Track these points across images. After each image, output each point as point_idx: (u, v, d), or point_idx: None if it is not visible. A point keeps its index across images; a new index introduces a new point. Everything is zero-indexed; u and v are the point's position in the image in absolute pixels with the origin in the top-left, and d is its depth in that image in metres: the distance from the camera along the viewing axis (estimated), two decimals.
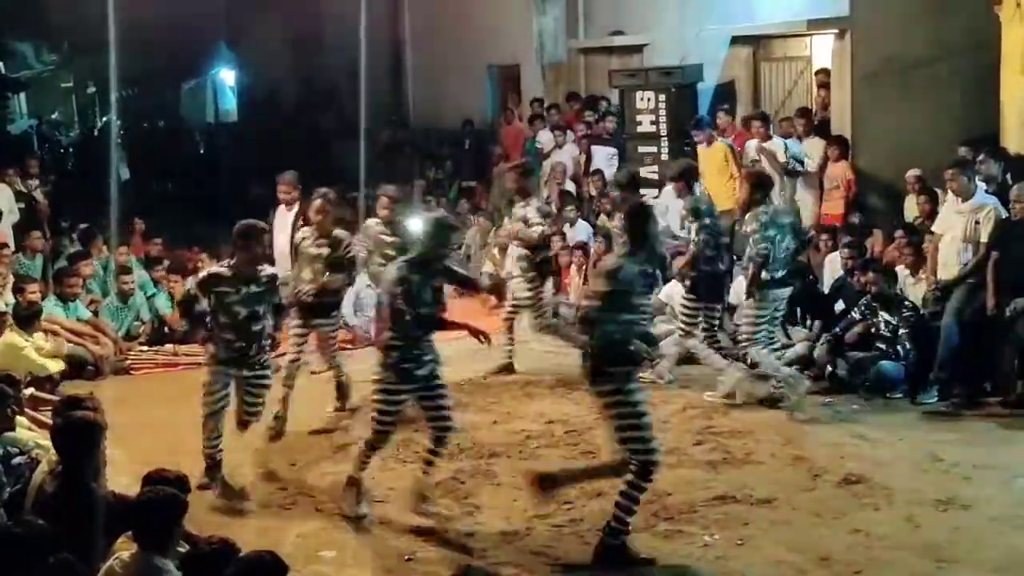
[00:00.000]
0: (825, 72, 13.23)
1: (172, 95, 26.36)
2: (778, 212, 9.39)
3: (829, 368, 9.64)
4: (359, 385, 10.11)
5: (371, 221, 10.44)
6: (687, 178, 9.78)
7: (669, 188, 12.22)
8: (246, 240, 7.58)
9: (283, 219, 10.73)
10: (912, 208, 11.03)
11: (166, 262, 12.91)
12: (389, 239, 10.08)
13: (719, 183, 11.90)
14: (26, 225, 13.01)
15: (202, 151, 24.09)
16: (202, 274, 8.02)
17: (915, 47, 11.88)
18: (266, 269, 7.77)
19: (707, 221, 9.46)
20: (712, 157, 12.33)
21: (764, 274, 8.98)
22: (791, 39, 14.40)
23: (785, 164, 12.17)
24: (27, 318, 10.26)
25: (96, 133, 25.22)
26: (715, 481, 7.59)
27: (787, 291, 9.22)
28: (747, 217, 9.20)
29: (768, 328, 9.20)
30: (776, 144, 12.30)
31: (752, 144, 12.51)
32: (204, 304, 7.59)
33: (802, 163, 12.18)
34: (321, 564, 6.64)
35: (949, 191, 9.58)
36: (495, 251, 13.59)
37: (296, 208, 10.69)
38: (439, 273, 7.21)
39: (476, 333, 7.22)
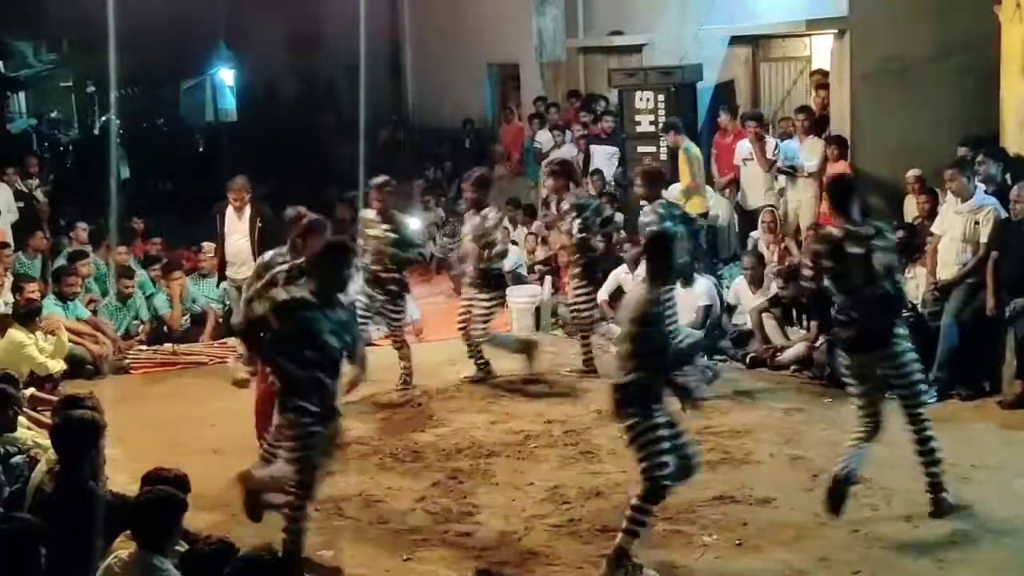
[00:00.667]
0: (821, 73, 13.22)
1: (171, 94, 26.38)
2: (671, 205, 10.00)
3: (828, 368, 9.63)
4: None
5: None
6: (567, 175, 10.31)
7: (675, 187, 12.30)
8: (336, 260, 6.50)
9: (233, 222, 10.78)
10: (912, 208, 11.02)
11: (164, 260, 12.90)
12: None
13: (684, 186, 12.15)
14: (25, 224, 13.01)
15: (201, 150, 24.11)
16: (281, 298, 6.47)
17: (915, 47, 11.86)
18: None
19: (587, 215, 10.00)
20: (680, 161, 12.41)
21: None
22: (790, 39, 14.39)
23: (772, 161, 12.19)
24: (28, 316, 10.28)
25: (96, 132, 25.24)
26: (714, 481, 7.58)
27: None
28: (645, 210, 9.73)
29: None
30: (769, 145, 12.34)
31: (744, 144, 12.52)
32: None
33: (795, 167, 12.16)
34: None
35: (948, 191, 9.58)
36: None
37: (248, 211, 10.70)
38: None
39: None
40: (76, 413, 5.92)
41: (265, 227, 10.54)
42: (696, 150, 12.39)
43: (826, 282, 6.92)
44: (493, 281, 10.00)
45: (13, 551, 4.60)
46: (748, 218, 12.89)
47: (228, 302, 11.52)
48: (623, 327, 6.31)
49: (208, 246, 12.33)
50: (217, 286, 11.88)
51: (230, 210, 10.84)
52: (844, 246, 6.74)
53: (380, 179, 10.06)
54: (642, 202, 10.08)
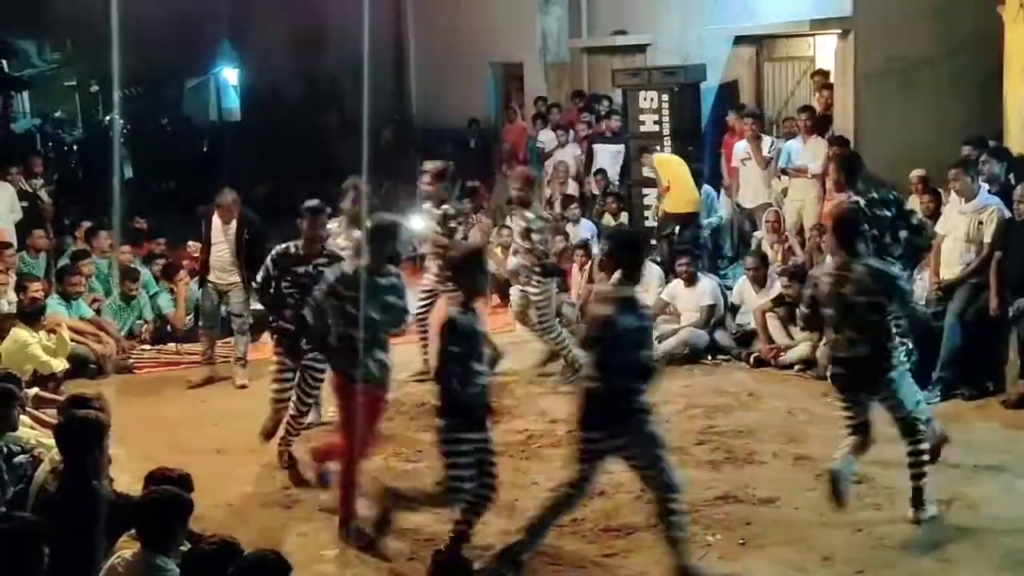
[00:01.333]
0: (822, 73, 13.23)
1: (175, 94, 26.38)
2: None
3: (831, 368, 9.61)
4: None
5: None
6: (441, 179, 10.47)
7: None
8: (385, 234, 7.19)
9: (219, 231, 10.46)
10: (916, 208, 11.00)
11: (167, 259, 12.89)
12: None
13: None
14: (29, 224, 13.00)
15: (205, 150, 24.11)
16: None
17: (918, 47, 11.87)
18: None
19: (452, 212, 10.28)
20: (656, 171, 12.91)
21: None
22: (794, 39, 14.40)
23: (769, 158, 12.21)
24: (32, 316, 10.27)
25: (99, 132, 25.24)
26: (717, 481, 7.59)
27: None
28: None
29: None
30: (766, 144, 12.36)
31: (741, 144, 12.52)
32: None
33: (796, 168, 12.17)
34: (323, 563, 6.65)
35: (952, 191, 9.57)
36: (498, 250, 13.59)
37: (235, 222, 10.43)
38: None
39: None
40: (80, 412, 5.93)
41: (252, 237, 10.40)
42: (664, 156, 12.70)
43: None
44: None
45: (16, 551, 4.60)
46: (747, 217, 12.94)
47: (206, 303, 10.82)
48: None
49: (194, 245, 12.04)
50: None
51: (216, 217, 10.52)
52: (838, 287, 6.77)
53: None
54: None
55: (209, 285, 10.63)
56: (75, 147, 23.68)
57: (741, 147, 12.53)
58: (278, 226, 10.51)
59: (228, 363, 10.71)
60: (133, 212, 14.51)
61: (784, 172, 12.27)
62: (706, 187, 12.78)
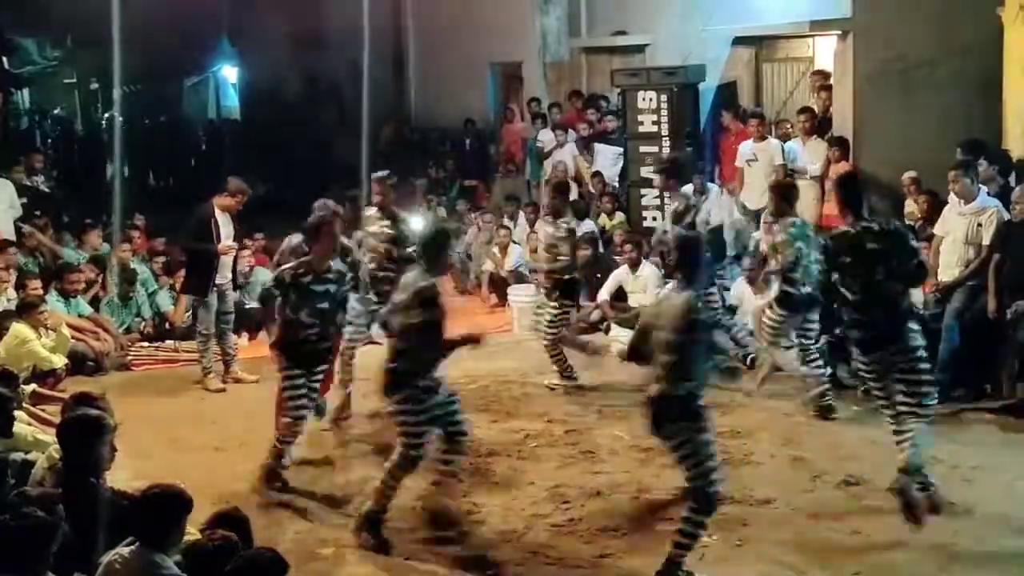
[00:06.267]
0: (823, 74, 13.24)
1: (174, 91, 26.38)
2: (807, 224, 9.36)
3: (830, 369, 9.62)
4: None
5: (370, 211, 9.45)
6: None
7: (685, 189, 12.29)
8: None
9: (224, 228, 10.16)
10: (913, 209, 11.03)
11: (167, 256, 12.88)
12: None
13: None
14: (29, 220, 12.97)
15: (204, 147, 24.11)
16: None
17: (918, 48, 11.87)
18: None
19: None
20: None
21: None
22: (793, 40, 14.41)
23: (783, 166, 12.21)
24: (25, 309, 10.24)
25: (99, 129, 25.24)
26: None
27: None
28: (776, 227, 9.06)
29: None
30: (772, 145, 12.34)
31: (747, 145, 12.52)
32: None
33: (796, 170, 12.19)
34: (320, 562, 6.65)
35: (952, 192, 9.58)
36: (496, 250, 13.61)
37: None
38: None
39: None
40: (80, 411, 5.95)
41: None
42: None
43: (838, 281, 7.03)
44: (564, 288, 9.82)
45: (27, 547, 4.60)
46: (751, 218, 12.92)
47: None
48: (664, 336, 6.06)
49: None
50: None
51: (220, 213, 10.17)
52: (861, 243, 6.87)
53: (381, 173, 9.59)
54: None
55: (215, 289, 10.21)
56: (74, 145, 23.71)
57: (747, 147, 12.49)
58: (278, 223, 10.50)
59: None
60: (131, 209, 14.50)
61: (787, 173, 12.28)
62: (712, 186, 12.74)
